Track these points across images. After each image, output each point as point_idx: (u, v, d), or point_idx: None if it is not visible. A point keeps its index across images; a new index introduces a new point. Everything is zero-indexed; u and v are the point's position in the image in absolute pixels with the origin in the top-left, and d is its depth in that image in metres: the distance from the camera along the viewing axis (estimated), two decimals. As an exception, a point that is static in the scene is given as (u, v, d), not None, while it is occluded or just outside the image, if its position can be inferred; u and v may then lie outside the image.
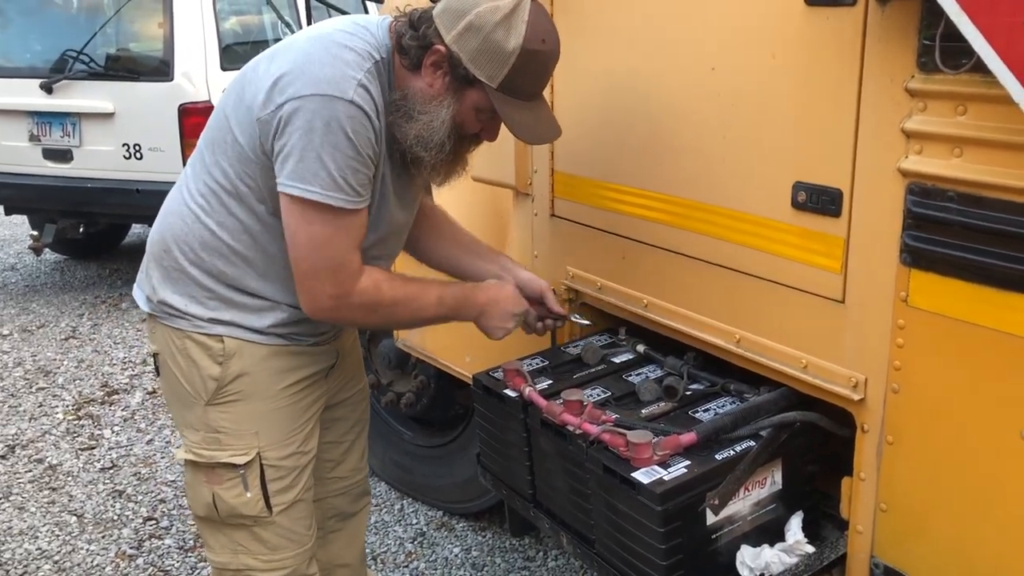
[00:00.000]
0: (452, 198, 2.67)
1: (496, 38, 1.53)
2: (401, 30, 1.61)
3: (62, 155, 5.21)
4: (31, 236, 5.76)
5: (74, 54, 5.18)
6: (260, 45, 5.66)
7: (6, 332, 5.02)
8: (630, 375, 1.81)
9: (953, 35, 1.16)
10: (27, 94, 5.18)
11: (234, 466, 1.71)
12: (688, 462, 1.50)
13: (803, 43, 1.44)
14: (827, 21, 1.39)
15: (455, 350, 2.54)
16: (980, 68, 1.17)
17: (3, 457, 3.61)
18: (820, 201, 1.46)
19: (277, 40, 5.68)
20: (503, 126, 1.66)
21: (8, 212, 5.89)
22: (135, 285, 1.83)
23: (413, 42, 1.59)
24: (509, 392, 1.76)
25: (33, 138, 5.25)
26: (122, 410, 4.03)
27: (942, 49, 1.22)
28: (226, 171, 1.63)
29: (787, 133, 1.50)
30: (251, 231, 1.65)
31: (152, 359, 1.81)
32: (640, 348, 1.88)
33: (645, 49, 1.75)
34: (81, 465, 3.55)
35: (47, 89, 5.13)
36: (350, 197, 1.54)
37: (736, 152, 1.60)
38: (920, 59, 1.27)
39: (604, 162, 1.91)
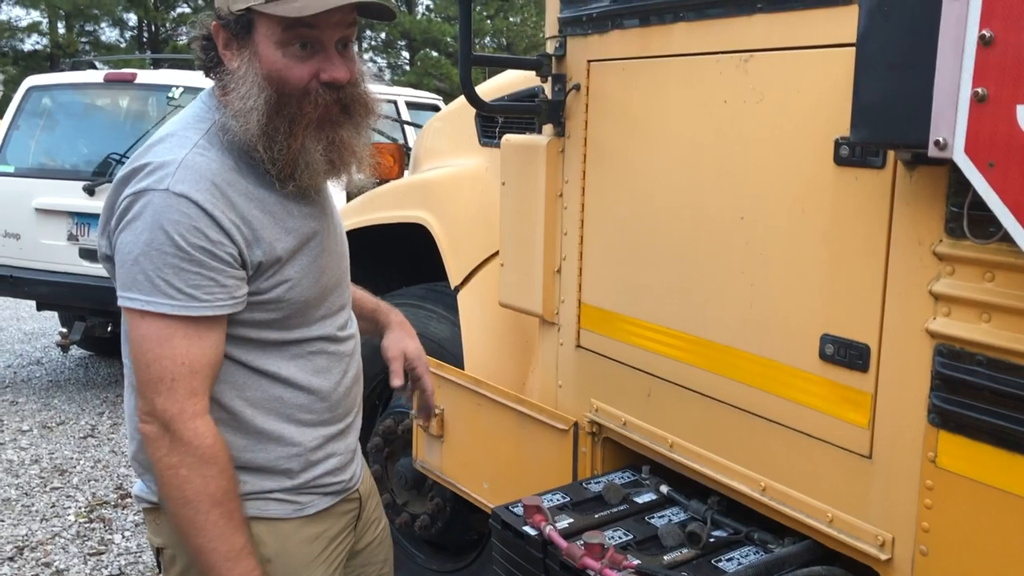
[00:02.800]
0: (478, 320, 2.70)
1: None
2: (198, 55, 1.48)
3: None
4: (60, 333, 5.85)
5: (117, 158, 5.36)
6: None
7: (26, 428, 5.04)
8: (652, 517, 1.78)
9: (981, 204, 1.18)
10: (70, 195, 5.34)
11: None
12: (710, 615, 1.47)
13: (832, 200, 1.47)
14: (856, 181, 1.43)
15: (473, 475, 2.52)
16: (1009, 238, 1.19)
17: (11, 559, 3.57)
18: (848, 355, 1.47)
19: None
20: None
21: (40, 308, 6.00)
22: (136, 481, 1.58)
23: (206, 50, 1.45)
24: (529, 530, 1.74)
25: (71, 238, 5.38)
26: (134, 515, 3.99)
27: (970, 218, 1.25)
28: None
29: (815, 285, 1.52)
30: (228, 381, 1.46)
31: (155, 555, 1.58)
32: (663, 489, 1.86)
33: (676, 192, 1.80)
34: (88, 572, 3.50)
35: (89, 191, 5.29)
36: (177, 302, 1.34)
37: (764, 299, 1.62)
38: (948, 224, 1.30)
39: (632, 298, 1.94)
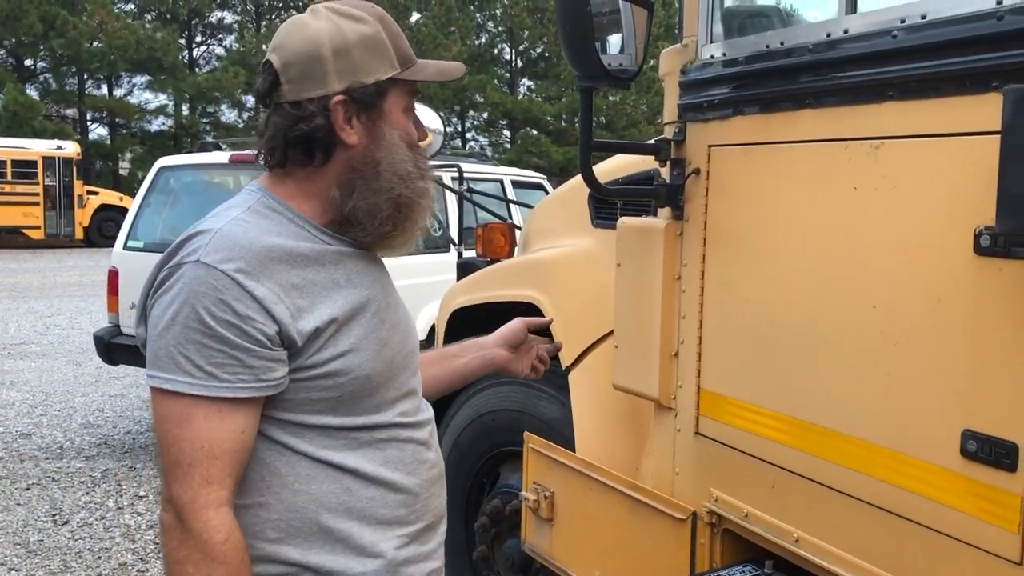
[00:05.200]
0: (590, 401, 2.69)
1: (359, 34, 1.41)
2: (292, 139, 1.41)
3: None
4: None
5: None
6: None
7: (143, 493, 5.20)
8: (778, 617, 1.71)
9: None
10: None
11: None
12: None
13: (973, 291, 1.42)
14: (999, 272, 1.38)
15: (584, 561, 2.47)
16: None
17: (126, 624, 3.66)
18: (993, 453, 1.40)
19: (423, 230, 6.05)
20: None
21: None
22: None
23: (313, 122, 1.39)
24: (648, 623, 1.69)
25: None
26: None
27: None
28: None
29: (955, 378, 1.46)
30: (289, 474, 1.38)
31: None
32: (789, 586, 1.79)
33: (803, 278, 1.77)
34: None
35: (210, 266, 5.53)
36: (195, 380, 1.27)
37: (898, 391, 1.56)
38: (1105, 319, 1.23)
39: (755, 385, 1.89)
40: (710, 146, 1.99)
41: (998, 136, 1.27)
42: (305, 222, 1.42)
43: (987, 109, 1.36)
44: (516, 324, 1.80)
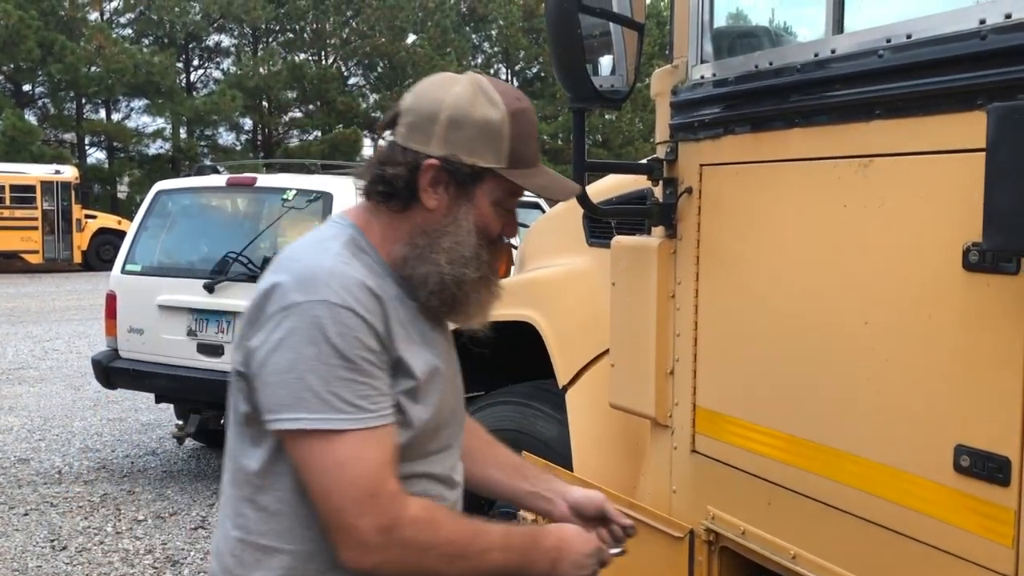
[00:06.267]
0: (587, 420, 2.69)
1: (482, 116, 1.41)
2: (375, 175, 1.45)
3: (215, 350, 5.55)
4: (176, 426, 6.06)
5: (234, 256, 5.62)
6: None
7: (141, 517, 5.19)
8: (775, 634, 1.71)
9: None
10: (190, 292, 5.61)
11: None
12: None
13: (962, 306, 1.43)
14: (988, 287, 1.39)
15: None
16: None
17: (125, 649, 3.64)
18: (986, 467, 1.40)
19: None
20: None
21: (159, 400, 6.25)
22: None
23: (400, 170, 1.42)
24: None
25: (191, 333, 5.63)
26: (241, 608, 4.03)
27: (1118, 327, 1.20)
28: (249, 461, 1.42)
29: (946, 394, 1.47)
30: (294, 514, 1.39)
31: None
32: (786, 603, 1.79)
33: (795, 295, 1.78)
34: (197, 665, 3.54)
35: (209, 289, 5.55)
36: (348, 415, 1.30)
37: (891, 407, 1.57)
38: (1092, 333, 1.24)
39: (750, 403, 1.90)
40: (702, 165, 2.01)
41: (983, 153, 1.29)
42: (388, 272, 1.44)
43: (972, 127, 1.38)
44: (597, 500, 1.69)
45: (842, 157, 1.65)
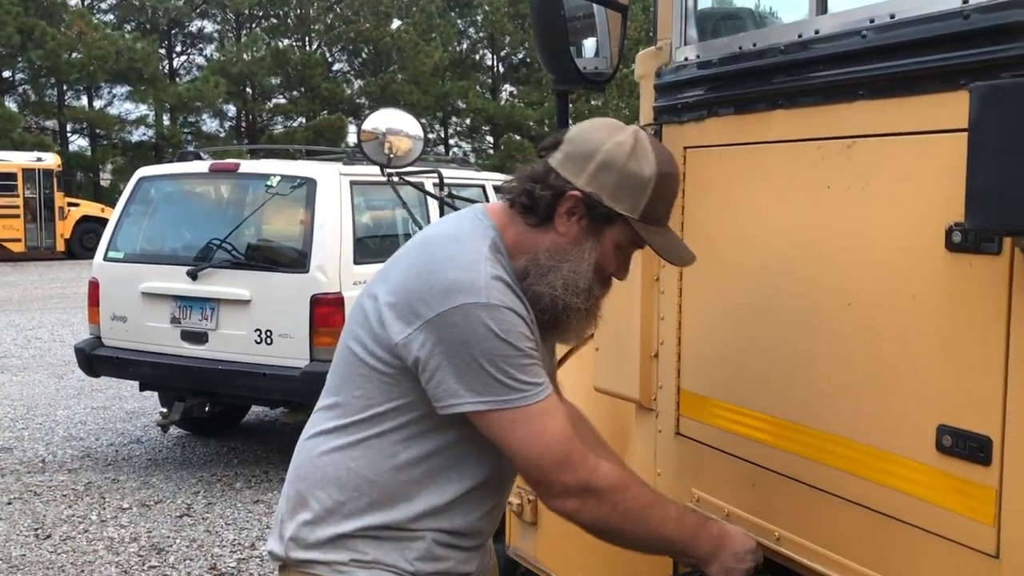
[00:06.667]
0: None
1: (633, 169, 1.56)
2: (523, 188, 1.61)
3: (199, 337, 5.53)
4: (160, 413, 6.04)
5: (218, 243, 5.59)
6: (390, 240, 6.00)
7: (126, 505, 5.17)
8: (761, 614, 1.71)
9: (1110, 293, 1.14)
10: (174, 280, 5.58)
11: None
12: None
13: (945, 286, 1.43)
14: (970, 268, 1.39)
15: (569, 565, 2.47)
16: None
17: (110, 637, 3.63)
18: (967, 447, 1.41)
19: (407, 236, 6.06)
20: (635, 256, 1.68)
21: (143, 388, 6.22)
22: (269, 539, 1.75)
23: (546, 192, 1.58)
24: (631, 624, 1.69)
25: (174, 320, 5.60)
26: (228, 595, 4.03)
27: (1098, 306, 1.20)
28: (364, 404, 1.60)
29: (929, 374, 1.47)
30: (392, 455, 1.60)
31: None
32: (770, 584, 1.79)
33: (778, 277, 1.78)
34: (183, 652, 3.53)
35: (192, 276, 5.51)
36: (527, 392, 1.51)
37: (874, 389, 1.57)
38: (1073, 312, 1.25)
39: (734, 385, 1.90)
40: (686, 147, 2.00)
41: (966, 133, 1.28)
42: (515, 280, 1.57)
43: (955, 107, 1.37)
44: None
45: (826, 138, 1.65)
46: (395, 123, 4.10)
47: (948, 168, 1.40)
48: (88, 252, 18.95)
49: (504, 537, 2.79)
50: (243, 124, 35.13)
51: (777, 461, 1.78)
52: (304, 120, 33.39)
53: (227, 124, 34.90)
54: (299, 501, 1.66)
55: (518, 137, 33.26)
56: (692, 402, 2.03)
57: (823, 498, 1.68)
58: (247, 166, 6.03)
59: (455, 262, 1.52)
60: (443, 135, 34.84)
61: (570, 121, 2.04)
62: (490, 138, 35.31)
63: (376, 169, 4.35)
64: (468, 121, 35.14)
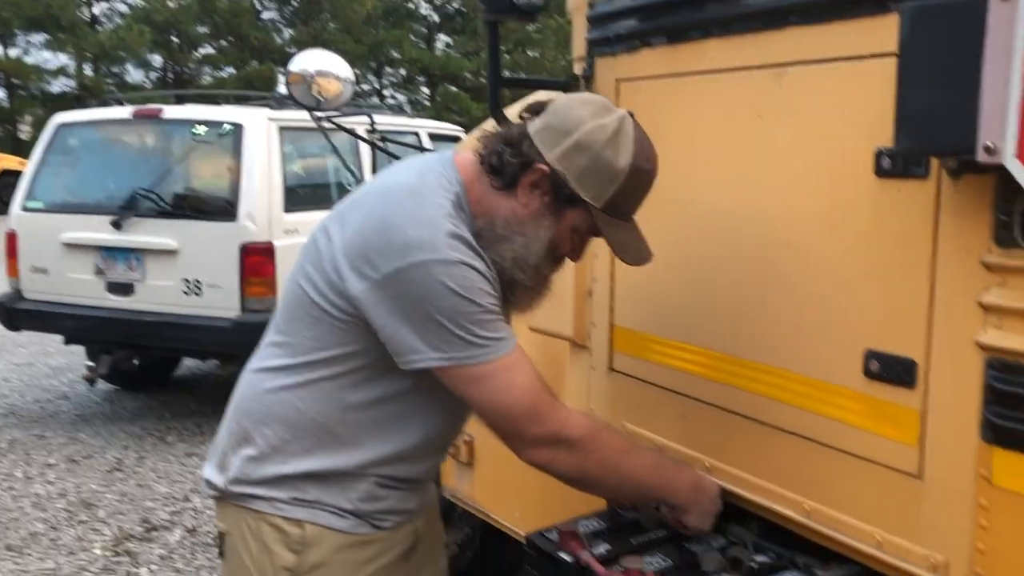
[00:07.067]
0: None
1: (607, 157, 1.50)
2: (494, 149, 1.56)
3: (124, 289, 5.37)
4: (87, 367, 5.87)
5: (143, 193, 5.41)
6: (322, 188, 5.87)
7: (53, 462, 5.04)
8: (691, 543, 1.73)
9: (1032, 212, 1.15)
10: (97, 230, 5.39)
11: None
12: (756, 643, 1.42)
13: (874, 212, 1.44)
14: (898, 193, 1.39)
15: (504, 503, 2.48)
16: (1062, 246, 1.16)
17: (38, 593, 3.55)
18: (893, 371, 1.43)
19: (339, 184, 5.94)
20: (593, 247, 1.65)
21: (68, 342, 6.03)
22: (206, 467, 1.71)
23: (514, 159, 1.53)
24: (565, 556, 1.70)
25: (99, 272, 5.42)
26: (160, 547, 3.97)
27: (1022, 225, 1.21)
28: (313, 346, 1.56)
29: (858, 300, 1.48)
30: (340, 400, 1.57)
31: (219, 539, 1.70)
32: (701, 513, 1.81)
33: (710, 210, 1.77)
34: (115, 605, 3.47)
35: (116, 226, 5.33)
36: (491, 347, 1.47)
37: (804, 317, 1.58)
38: (997, 234, 1.26)
39: (666, 319, 1.90)
40: (619, 80, 1.97)
41: (896, 58, 1.28)
42: (474, 237, 1.51)
43: (885, 31, 1.37)
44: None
45: (757, 67, 1.63)
46: (324, 65, 3.97)
47: (878, 94, 1.40)
48: (7, 207, 18.20)
49: (440, 479, 2.78)
50: (170, 75, 34.00)
51: (708, 393, 1.79)
52: (233, 70, 32.44)
53: (153, 75, 33.73)
54: (243, 436, 1.63)
55: (454, 88, 32.86)
56: (625, 338, 2.03)
57: (753, 427, 1.69)
58: (171, 111, 5.82)
59: (414, 218, 1.46)
60: (377, 86, 34.24)
61: (501, 53, 1.99)
62: (426, 89, 34.83)
63: (306, 115, 4.23)
64: (403, 71, 34.56)
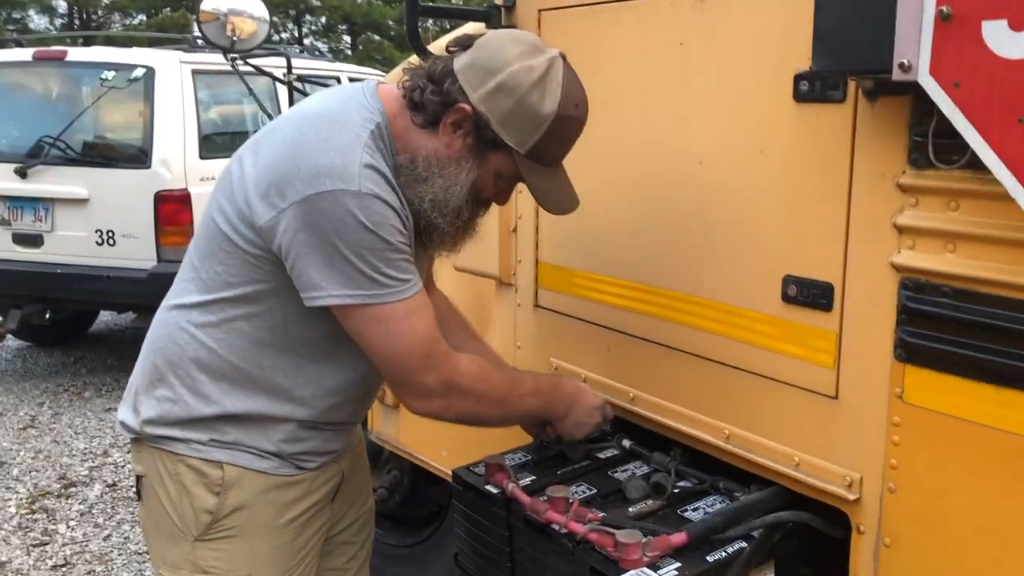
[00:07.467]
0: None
1: (531, 101, 1.43)
2: (416, 84, 1.49)
3: (33, 240, 5.15)
4: (-6, 322, 5.64)
5: (50, 140, 5.17)
6: (240, 135, 5.70)
7: (-38, 421, 4.86)
8: (616, 471, 1.75)
9: (945, 131, 1.16)
10: (1, 178, 5.14)
11: None
12: (679, 564, 1.44)
13: (792, 138, 1.45)
14: (817, 117, 1.40)
15: (431, 443, 2.47)
16: (973, 164, 1.18)
17: (-50, 553, 3.44)
18: (811, 295, 1.45)
19: (257, 130, 5.75)
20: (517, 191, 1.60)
21: (-27, 297, 5.77)
22: (121, 407, 1.66)
23: (435, 97, 1.46)
24: (491, 488, 1.70)
25: (4, 222, 5.19)
26: (79, 503, 3.87)
27: (935, 145, 1.23)
28: (226, 282, 1.50)
29: (776, 226, 1.49)
30: (255, 341, 1.52)
31: (136, 482, 1.65)
32: (626, 443, 1.83)
33: (632, 140, 1.76)
34: (32, 563, 3.38)
35: (21, 174, 5.10)
36: (394, 288, 1.42)
37: (724, 245, 1.59)
38: (911, 155, 1.28)
39: (589, 253, 1.90)
40: (540, 10, 1.94)
41: (815, -22, 1.27)
42: (394, 172, 1.46)
43: (805, -47, 1.36)
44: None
45: (679, -7, 1.61)
46: (237, 3, 3.84)
47: (796, 17, 1.39)
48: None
49: (367, 423, 2.76)
50: (76, 21, 32.52)
51: (632, 324, 1.80)
52: (144, 18, 31.17)
53: (58, 21, 32.21)
54: (157, 376, 1.58)
55: (377, 37, 32.18)
56: (550, 274, 2.02)
57: (675, 356, 1.71)
58: (76, 54, 5.56)
59: (328, 144, 1.40)
60: (297, 34, 33.35)
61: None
62: (347, 38, 34.05)
63: (221, 58, 4.09)
64: (324, 19, 33.69)
